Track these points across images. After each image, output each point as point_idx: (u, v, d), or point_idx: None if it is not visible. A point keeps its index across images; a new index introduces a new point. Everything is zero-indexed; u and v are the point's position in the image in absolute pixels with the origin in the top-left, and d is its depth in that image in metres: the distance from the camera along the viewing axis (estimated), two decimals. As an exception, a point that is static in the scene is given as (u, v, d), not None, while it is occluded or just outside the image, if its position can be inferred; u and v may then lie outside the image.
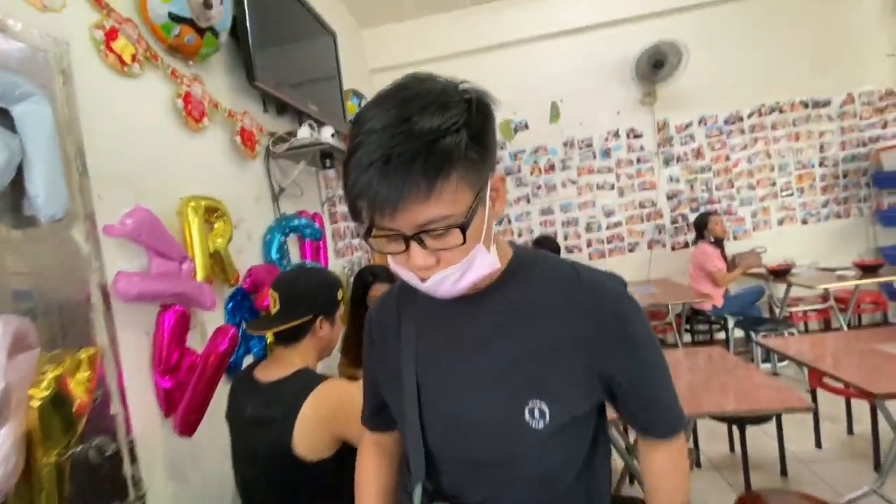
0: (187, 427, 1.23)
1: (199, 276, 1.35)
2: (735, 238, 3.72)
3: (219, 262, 1.46)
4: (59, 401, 0.88)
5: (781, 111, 3.69)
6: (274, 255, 1.79)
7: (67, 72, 1.07)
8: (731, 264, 3.47)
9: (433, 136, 0.47)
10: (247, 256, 1.68)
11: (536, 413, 0.55)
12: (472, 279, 0.55)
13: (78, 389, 0.94)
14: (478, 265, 0.54)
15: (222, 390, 1.25)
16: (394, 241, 0.53)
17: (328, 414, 1.02)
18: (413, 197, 0.47)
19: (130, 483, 1.10)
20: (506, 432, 0.56)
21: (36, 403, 0.82)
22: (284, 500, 1.06)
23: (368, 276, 1.90)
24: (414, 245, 0.51)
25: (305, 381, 1.06)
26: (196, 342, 1.37)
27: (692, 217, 3.76)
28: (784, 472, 2.10)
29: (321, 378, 1.06)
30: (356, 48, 3.57)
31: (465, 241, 0.51)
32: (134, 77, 1.26)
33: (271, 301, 1.14)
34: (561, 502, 0.60)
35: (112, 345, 1.09)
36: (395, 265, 0.57)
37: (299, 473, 1.02)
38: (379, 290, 1.86)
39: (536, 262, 0.64)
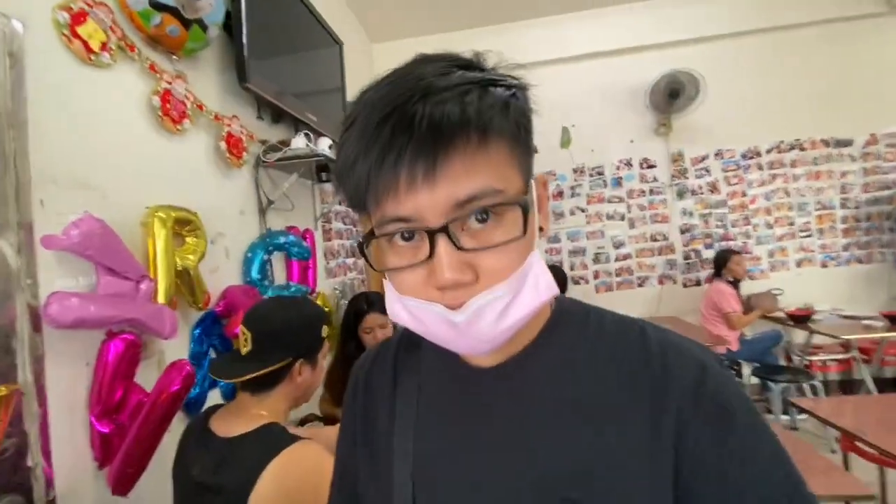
0: (122, 483, 1.02)
1: (161, 298, 1.17)
2: (751, 278, 3.53)
3: (187, 282, 1.28)
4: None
5: (802, 149, 3.56)
6: (255, 275, 1.60)
7: (17, 55, 0.91)
8: (746, 305, 3.28)
9: (484, 81, 0.35)
10: (223, 275, 1.50)
11: None
12: (525, 310, 0.37)
13: (-25, 442, 0.75)
14: (532, 285, 0.36)
15: (174, 437, 1.05)
16: (408, 247, 0.37)
17: (291, 488, 0.82)
18: (454, 155, 0.33)
19: (45, 553, 0.89)
20: None
21: None
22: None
23: (363, 303, 1.71)
24: (443, 244, 0.34)
25: (269, 442, 0.86)
26: (151, 377, 1.17)
27: (705, 253, 3.59)
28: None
29: (289, 440, 0.86)
30: (364, 61, 3.47)
31: (525, 232, 0.35)
32: (102, 67, 1.10)
33: (241, 338, 0.95)
34: None
35: (37, 381, 0.90)
36: (401, 294, 0.39)
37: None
38: (373, 321, 1.67)
39: (587, 318, 0.45)
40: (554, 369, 0.42)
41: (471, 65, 0.37)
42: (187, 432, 0.99)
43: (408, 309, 0.39)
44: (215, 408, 1.01)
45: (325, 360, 1.08)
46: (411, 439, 0.46)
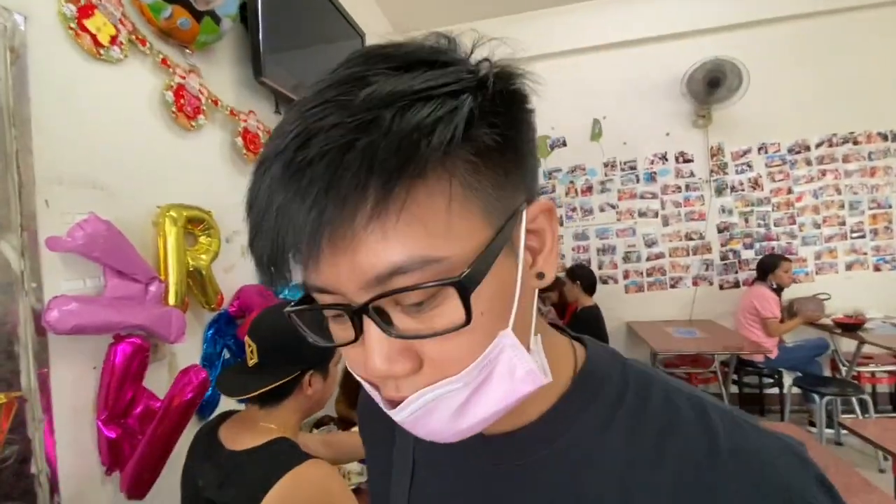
0: (137, 488, 1.00)
1: (171, 300, 1.14)
2: (795, 281, 3.30)
3: (199, 283, 1.25)
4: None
5: (856, 142, 3.28)
6: (270, 274, 1.57)
7: (19, 50, 0.88)
8: (788, 312, 3.07)
9: (406, 100, 0.24)
10: (238, 275, 1.47)
11: None
12: (492, 407, 0.28)
13: (-29, 453, 0.73)
14: (504, 375, 0.27)
15: (188, 439, 1.02)
16: (337, 322, 0.29)
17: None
18: (354, 215, 0.23)
19: (49, 561, 0.88)
20: None
21: None
22: None
23: None
24: (370, 328, 0.26)
25: (277, 460, 0.81)
26: (162, 379, 1.15)
27: (745, 254, 3.38)
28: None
29: (297, 458, 0.81)
30: (389, 53, 3.40)
31: (468, 321, 0.25)
32: (112, 62, 1.07)
33: (247, 350, 0.91)
34: None
35: (42, 387, 0.88)
36: (352, 369, 0.31)
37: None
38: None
39: (625, 386, 0.33)
40: (571, 458, 0.32)
41: (425, 61, 0.26)
42: (196, 440, 0.96)
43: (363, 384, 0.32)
44: (227, 415, 0.97)
45: (340, 365, 1.02)
46: (406, 495, 0.41)
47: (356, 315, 0.26)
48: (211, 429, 0.94)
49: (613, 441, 0.31)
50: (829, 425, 2.75)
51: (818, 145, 3.33)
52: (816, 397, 2.61)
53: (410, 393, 0.27)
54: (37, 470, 0.87)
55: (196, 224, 1.26)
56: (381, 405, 0.30)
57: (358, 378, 0.31)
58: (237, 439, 0.87)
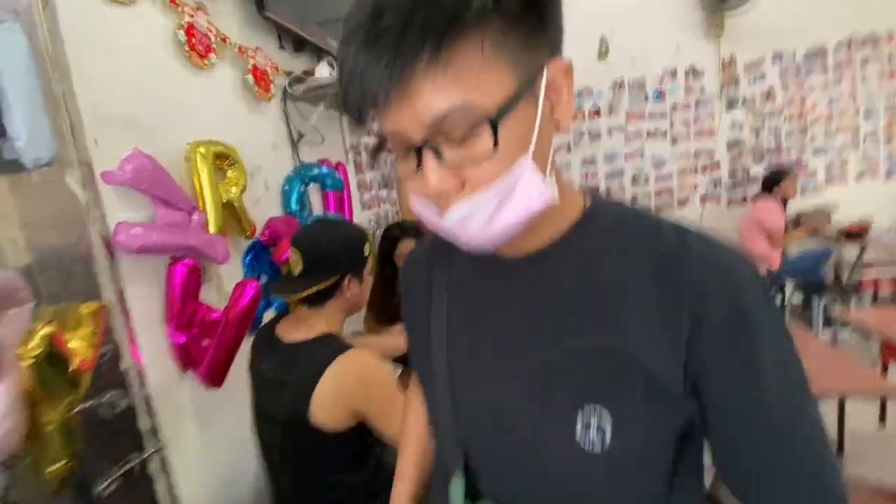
0: (214, 379, 1.21)
1: (212, 229, 1.27)
2: (802, 193, 3.32)
3: (233, 214, 1.38)
4: (55, 359, 0.83)
5: (876, 44, 3.14)
6: (294, 207, 1.69)
7: (48, -5, 0.95)
8: (794, 225, 3.12)
9: None
10: (265, 207, 1.59)
11: (592, 433, 0.39)
12: (514, 216, 0.38)
13: (80, 346, 0.89)
14: (523, 191, 0.37)
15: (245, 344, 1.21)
16: (405, 157, 0.39)
17: (347, 389, 0.94)
18: (414, 72, 0.33)
19: (148, 436, 1.09)
20: (552, 451, 0.42)
21: (28, 362, 0.78)
22: (301, 465, 1.01)
23: (397, 231, 1.80)
24: (427, 157, 0.36)
25: (328, 349, 0.98)
26: (212, 296, 1.32)
27: (754, 169, 3.38)
28: (841, 448, 1.94)
29: (345, 348, 0.98)
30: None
31: (496, 145, 0.35)
32: (125, 4, 1.13)
33: (292, 260, 1.05)
34: None
35: (120, 299, 1.04)
36: (413, 198, 0.42)
37: (316, 441, 0.96)
38: (406, 246, 1.76)
39: (621, 219, 0.45)
40: (576, 262, 0.44)
41: None
42: (257, 337, 1.14)
43: (418, 209, 0.42)
44: (278, 317, 1.14)
45: (370, 275, 1.17)
46: (445, 328, 0.51)
47: (417, 150, 0.37)
48: (269, 328, 1.11)
49: (609, 252, 0.43)
50: (829, 325, 2.90)
51: (836, 49, 3.20)
52: (816, 300, 2.74)
53: (455, 204, 0.38)
54: (126, 367, 1.05)
55: (223, 159, 1.36)
56: (436, 218, 0.40)
57: (417, 207, 0.42)
58: (292, 334, 1.04)
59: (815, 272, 3.10)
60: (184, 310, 1.17)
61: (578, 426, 0.40)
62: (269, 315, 1.56)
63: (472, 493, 0.47)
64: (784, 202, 3.03)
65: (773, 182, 3.02)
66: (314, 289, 1.00)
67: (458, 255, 0.51)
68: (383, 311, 1.77)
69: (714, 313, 0.38)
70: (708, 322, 0.38)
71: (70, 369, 0.86)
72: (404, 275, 0.62)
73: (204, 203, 1.27)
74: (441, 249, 0.55)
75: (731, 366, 0.38)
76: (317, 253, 1.02)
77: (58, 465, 0.88)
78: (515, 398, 0.44)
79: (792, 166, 3.22)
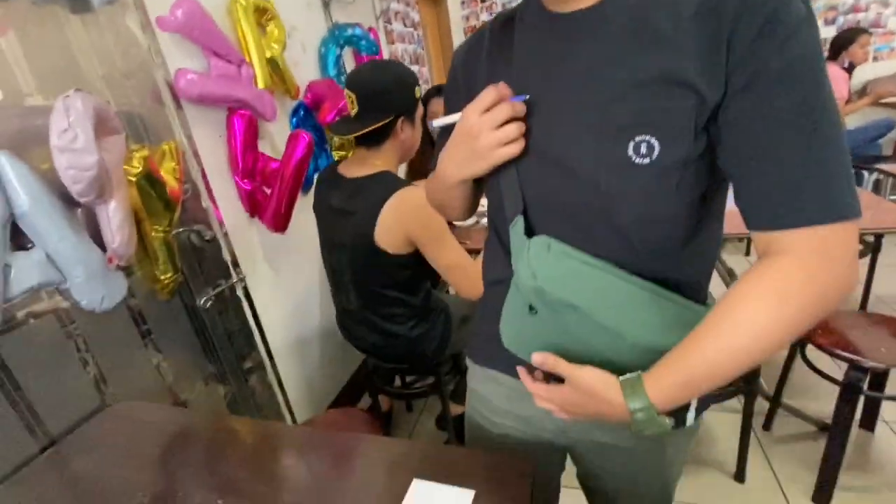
0: (279, 225, 1.36)
1: (260, 84, 1.33)
2: (874, 59, 2.98)
3: (277, 72, 1.42)
4: (152, 181, 0.96)
5: None
6: (331, 71, 1.70)
7: None
8: (860, 95, 2.85)
9: None
10: (303, 70, 1.61)
11: (643, 148, 0.45)
12: None
13: (167, 177, 1.02)
14: None
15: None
16: None
17: (405, 217, 1.05)
18: None
19: (231, 266, 1.27)
20: (606, 168, 0.47)
21: (132, 179, 0.91)
22: (366, 281, 1.17)
23: (433, 90, 1.80)
24: None
25: (387, 183, 1.08)
26: (265, 151, 1.42)
27: (825, 31, 3.02)
28: (864, 306, 2.02)
29: (401, 183, 1.08)
30: None
31: None
32: None
33: (348, 101, 1.10)
34: (659, 263, 0.51)
35: (190, 143, 1.15)
36: None
37: (380, 261, 1.10)
38: (437, 104, 1.78)
39: None
40: (628, 8, 0.46)
41: None
42: (320, 179, 1.24)
43: None
44: (338, 162, 1.23)
45: (421, 120, 1.21)
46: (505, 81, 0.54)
47: None
48: (332, 168, 1.21)
49: None
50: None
51: None
52: (866, 174, 2.62)
53: None
54: (205, 205, 1.20)
55: (262, 14, 1.36)
56: None
57: None
58: (353, 171, 1.13)
59: (872, 146, 2.90)
60: (246, 158, 1.28)
61: (630, 146, 0.45)
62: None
63: (529, 232, 0.56)
64: (850, 69, 2.75)
65: (843, 44, 2.72)
66: (371, 127, 1.06)
67: (518, 33, 0.54)
68: (421, 168, 1.86)
69: (757, 9, 0.39)
70: (750, 18, 0.39)
71: (167, 193, 0.99)
72: (462, 52, 0.64)
73: (250, 57, 1.30)
74: (499, 33, 0.58)
75: (766, 49, 0.40)
76: (371, 93, 1.06)
77: (167, 276, 1.07)
78: (575, 129, 0.49)
79: (868, 23, 2.86)
